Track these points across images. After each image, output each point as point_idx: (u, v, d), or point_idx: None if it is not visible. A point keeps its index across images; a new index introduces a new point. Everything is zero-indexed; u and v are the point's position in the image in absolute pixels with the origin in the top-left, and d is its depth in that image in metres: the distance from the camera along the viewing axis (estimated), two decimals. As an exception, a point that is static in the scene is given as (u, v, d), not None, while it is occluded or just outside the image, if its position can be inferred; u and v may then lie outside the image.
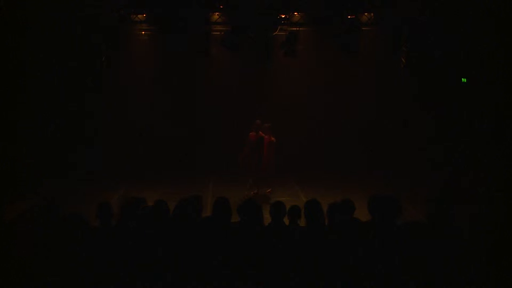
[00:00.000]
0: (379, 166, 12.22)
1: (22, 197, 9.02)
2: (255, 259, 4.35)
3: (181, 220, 4.76)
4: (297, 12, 11.35)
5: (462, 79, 11.30)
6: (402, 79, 11.91)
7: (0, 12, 9.08)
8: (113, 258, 4.34)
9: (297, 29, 11.40)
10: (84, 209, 4.93)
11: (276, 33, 11.25)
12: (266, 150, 10.27)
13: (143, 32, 12.30)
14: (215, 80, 12.77)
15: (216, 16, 11.39)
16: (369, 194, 4.82)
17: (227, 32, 11.00)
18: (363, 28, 11.39)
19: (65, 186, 10.21)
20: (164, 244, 4.43)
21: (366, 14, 11.41)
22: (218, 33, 11.40)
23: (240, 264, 4.35)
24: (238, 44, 10.84)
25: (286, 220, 4.91)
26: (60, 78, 11.34)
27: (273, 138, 10.33)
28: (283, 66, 12.33)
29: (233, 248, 4.46)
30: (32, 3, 9.88)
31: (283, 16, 11.32)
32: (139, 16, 11.53)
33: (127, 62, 12.49)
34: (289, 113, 12.70)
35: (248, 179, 10.47)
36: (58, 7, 10.20)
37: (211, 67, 12.55)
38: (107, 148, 12.16)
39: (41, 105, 10.93)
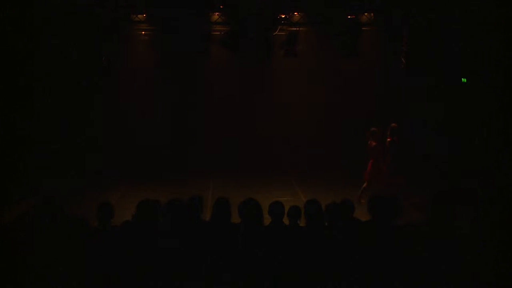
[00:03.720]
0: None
1: (22, 197, 9.01)
2: (255, 260, 4.35)
3: (181, 221, 4.76)
4: (297, 12, 11.35)
5: (462, 79, 11.29)
6: (402, 79, 11.88)
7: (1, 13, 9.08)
8: (113, 258, 4.34)
9: (297, 29, 11.39)
10: (84, 209, 4.93)
11: (276, 33, 11.25)
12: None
13: (143, 32, 12.30)
14: (215, 80, 12.76)
15: (216, 16, 11.39)
16: (369, 194, 4.81)
17: (227, 32, 11.00)
18: (363, 28, 11.38)
19: (65, 186, 10.19)
20: (165, 244, 4.43)
21: (366, 14, 11.40)
22: (218, 33, 11.39)
23: (240, 264, 4.35)
24: (238, 44, 10.83)
25: (286, 220, 4.91)
26: (61, 77, 11.33)
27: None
28: (283, 66, 12.32)
29: (233, 248, 4.46)
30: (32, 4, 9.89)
31: (283, 16, 11.33)
32: (139, 16, 11.53)
33: (127, 63, 12.48)
34: (289, 113, 12.67)
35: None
36: (59, 7, 10.21)
37: (211, 67, 12.54)
38: (107, 148, 12.15)
39: (41, 105, 10.92)
